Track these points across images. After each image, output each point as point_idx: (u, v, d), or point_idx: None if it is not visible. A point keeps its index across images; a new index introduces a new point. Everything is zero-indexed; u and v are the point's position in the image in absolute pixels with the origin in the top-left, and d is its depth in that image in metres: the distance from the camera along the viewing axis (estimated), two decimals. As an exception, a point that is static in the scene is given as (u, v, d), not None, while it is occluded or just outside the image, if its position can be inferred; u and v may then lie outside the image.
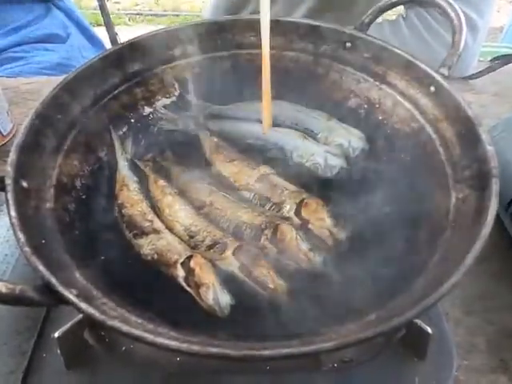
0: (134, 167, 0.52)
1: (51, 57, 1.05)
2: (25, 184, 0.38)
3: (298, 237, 0.43)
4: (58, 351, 0.39)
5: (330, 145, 0.54)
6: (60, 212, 0.41)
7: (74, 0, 1.19)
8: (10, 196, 0.34)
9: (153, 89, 0.56)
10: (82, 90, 0.48)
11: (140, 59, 0.53)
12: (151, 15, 2.79)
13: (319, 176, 0.52)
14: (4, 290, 0.28)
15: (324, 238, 0.44)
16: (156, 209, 0.48)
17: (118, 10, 2.77)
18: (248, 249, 0.42)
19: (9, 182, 0.35)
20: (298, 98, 0.58)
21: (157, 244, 0.44)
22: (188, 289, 0.40)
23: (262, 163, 0.52)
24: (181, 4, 2.87)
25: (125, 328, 0.27)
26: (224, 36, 0.56)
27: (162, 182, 0.50)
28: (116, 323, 0.27)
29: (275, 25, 0.55)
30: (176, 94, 0.58)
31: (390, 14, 0.81)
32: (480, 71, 0.78)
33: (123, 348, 0.41)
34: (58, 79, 0.46)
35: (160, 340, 0.26)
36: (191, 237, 0.45)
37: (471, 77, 0.79)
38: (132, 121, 0.55)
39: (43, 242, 0.35)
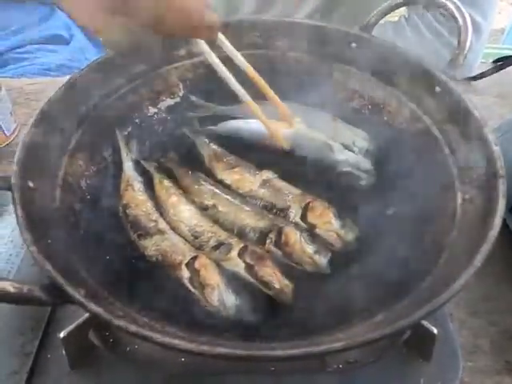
0: (139, 167, 0.52)
1: (54, 58, 1.05)
2: (31, 184, 0.38)
3: (303, 239, 0.43)
4: (63, 351, 0.39)
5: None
6: (66, 212, 0.41)
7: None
8: (16, 195, 0.34)
9: (157, 89, 0.56)
10: (87, 90, 0.48)
11: (145, 60, 0.53)
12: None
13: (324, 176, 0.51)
14: (12, 290, 0.28)
15: (332, 241, 0.43)
16: (161, 209, 0.48)
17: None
18: (253, 249, 0.42)
19: (15, 181, 0.35)
20: (301, 99, 0.57)
21: (161, 245, 0.44)
22: (193, 290, 0.40)
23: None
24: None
25: (132, 328, 0.27)
26: (227, 36, 0.56)
27: (167, 183, 0.50)
28: (124, 323, 0.27)
29: (279, 25, 0.56)
30: (180, 94, 0.58)
31: (393, 16, 0.82)
32: (482, 72, 0.78)
33: (127, 348, 0.42)
34: (61, 80, 0.46)
35: (168, 340, 0.26)
36: (196, 237, 0.45)
37: (474, 78, 0.79)
38: (137, 121, 0.55)
39: (49, 241, 0.35)
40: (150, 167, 0.52)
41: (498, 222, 0.33)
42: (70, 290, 0.29)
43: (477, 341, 0.46)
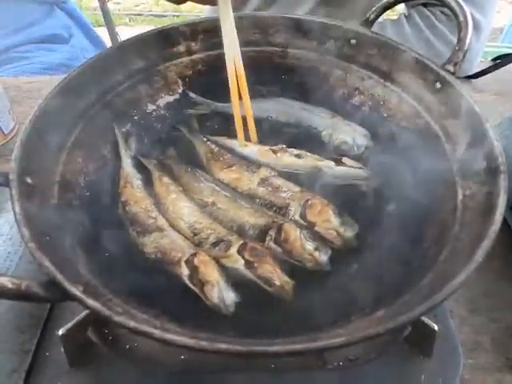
0: (138, 164, 0.52)
1: (53, 57, 1.06)
2: (29, 180, 0.37)
3: (303, 236, 0.42)
4: (62, 349, 0.39)
5: (334, 142, 0.54)
6: (64, 209, 0.40)
7: (75, 0, 1.19)
8: (14, 192, 0.34)
9: (156, 86, 0.55)
10: (85, 86, 0.48)
11: (144, 56, 0.53)
12: (152, 16, 2.79)
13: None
14: (10, 286, 0.28)
15: (332, 238, 0.43)
16: (160, 206, 0.48)
17: (119, 10, 2.77)
18: (253, 246, 0.42)
19: (13, 177, 0.35)
20: (301, 96, 0.57)
21: (160, 242, 0.43)
22: (192, 287, 0.40)
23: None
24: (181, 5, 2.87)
25: (132, 324, 0.27)
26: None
27: (166, 180, 0.50)
28: (123, 319, 0.27)
29: (279, 22, 0.55)
30: (179, 91, 0.57)
31: (391, 14, 0.81)
32: (482, 70, 0.78)
33: (127, 346, 0.41)
34: (59, 78, 0.46)
35: (168, 336, 0.26)
36: (195, 234, 0.45)
37: (473, 76, 0.79)
38: (135, 118, 0.55)
39: (47, 238, 0.34)
40: (149, 164, 0.52)
41: (498, 217, 0.33)
42: (68, 286, 0.28)
43: (477, 338, 0.46)
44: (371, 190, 0.48)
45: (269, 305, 0.39)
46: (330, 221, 0.44)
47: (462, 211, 0.39)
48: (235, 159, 0.53)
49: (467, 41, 0.45)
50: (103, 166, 0.50)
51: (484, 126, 0.40)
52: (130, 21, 2.74)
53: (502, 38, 1.98)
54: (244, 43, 0.56)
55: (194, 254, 0.41)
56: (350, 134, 0.53)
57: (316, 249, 0.42)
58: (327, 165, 0.50)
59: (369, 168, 0.50)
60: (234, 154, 0.54)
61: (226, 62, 0.51)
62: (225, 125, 0.57)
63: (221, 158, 0.53)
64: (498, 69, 0.77)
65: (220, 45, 0.56)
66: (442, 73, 0.46)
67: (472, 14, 0.53)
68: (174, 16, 2.76)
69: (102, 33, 1.28)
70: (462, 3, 0.46)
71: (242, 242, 0.42)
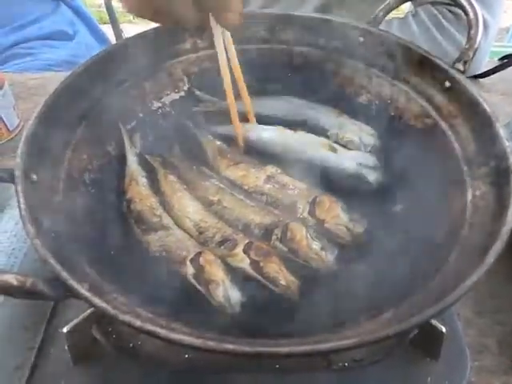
0: (143, 162, 0.51)
1: (58, 54, 1.06)
2: (34, 177, 0.37)
3: (309, 236, 0.42)
4: (66, 347, 0.38)
5: (340, 141, 0.53)
6: (69, 206, 0.40)
7: (79, -3, 1.19)
8: (19, 188, 0.34)
9: (161, 83, 0.55)
10: (90, 83, 0.47)
11: (149, 53, 0.52)
12: (156, 13, 2.79)
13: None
14: (15, 283, 0.28)
15: (342, 235, 0.43)
16: (165, 204, 0.47)
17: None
18: (259, 245, 0.42)
19: (18, 174, 0.35)
20: (308, 94, 0.57)
21: (165, 240, 0.43)
22: (198, 286, 0.40)
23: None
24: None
25: (138, 323, 0.27)
26: (235, 30, 0.55)
27: (171, 178, 0.49)
28: (129, 318, 0.27)
29: (286, 19, 0.55)
30: (185, 88, 0.57)
31: (399, 12, 0.80)
32: (489, 70, 0.77)
33: (130, 344, 0.41)
34: (64, 75, 0.46)
35: (174, 335, 0.26)
36: (201, 233, 0.44)
37: (481, 75, 0.78)
38: (141, 115, 0.54)
39: (53, 235, 0.34)
40: (155, 162, 0.52)
41: (510, 218, 0.33)
42: (73, 284, 0.28)
43: (483, 340, 0.45)
44: (379, 189, 0.47)
45: (274, 304, 0.39)
46: (339, 217, 0.43)
47: (471, 212, 0.38)
48: (242, 157, 0.52)
49: (477, 39, 0.44)
50: (108, 163, 0.49)
51: (494, 125, 0.39)
52: (134, 18, 2.74)
53: (508, 37, 1.97)
54: (250, 41, 0.56)
55: (200, 253, 0.41)
56: (356, 132, 0.53)
57: (322, 248, 0.42)
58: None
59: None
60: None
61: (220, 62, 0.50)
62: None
63: (228, 155, 0.52)
64: (505, 68, 0.76)
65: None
66: (452, 71, 0.45)
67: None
68: (178, 14, 2.75)
69: (107, 30, 1.28)
70: (473, 1, 0.46)
71: (247, 241, 0.42)
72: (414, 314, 0.28)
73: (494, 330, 0.46)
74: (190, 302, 0.38)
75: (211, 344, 0.25)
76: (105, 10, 0.88)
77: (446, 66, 0.46)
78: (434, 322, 0.37)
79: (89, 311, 0.37)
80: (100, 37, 1.20)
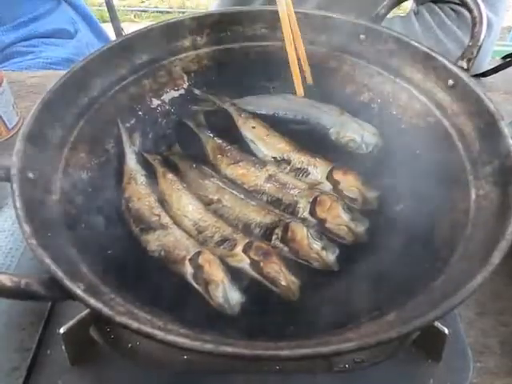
0: (142, 160, 0.51)
1: (59, 52, 1.05)
2: (31, 175, 0.37)
3: (310, 235, 0.42)
4: (63, 347, 0.38)
5: (341, 140, 0.53)
6: (66, 205, 0.40)
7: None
8: (15, 187, 0.33)
9: (161, 81, 0.55)
10: (89, 80, 0.47)
11: (149, 50, 0.52)
12: (157, 12, 2.79)
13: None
14: (9, 284, 0.27)
15: (343, 235, 0.43)
16: (164, 203, 0.47)
17: (124, 6, 2.76)
18: (259, 245, 0.41)
19: (14, 172, 0.34)
20: (309, 92, 0.56)
21: (164, 240, 0.43)
22: (196, 286, 0.39)
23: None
24: (186, 1, 2.86)
25: (135, 325, 0.26)
26: (234, 28, 0.55)
27: (171, 176, 0.49)
28: (125, 319, 0.26)
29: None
30: (184, 86, 0.56)
31: (398, 11, 0.80)
32: (492, 68, 0.77)
33: (129, 345, 0.41)
34: (63, 73, 0.45)
35: (171, 338, 0.25)
36: (200, 232, 0.44)
37: (483, 74, 0.78)
38: (140, 113, 0.54)
39: (49, 234, 0.34)
40: (154, 160, 0.51)
41: (515, 218, 0.32)
42: (69, 284, 0.27)
43: (486, 341, 0.45)
44: (381, 189, 0.46)
45: (275, 305, 0.39)
46: (340, 216, 0.43)
47: (475, 211, 0.38)
48: (242, 155, 0.52)
49: (481, 36, 0.43)
50: (106, 161, 0.49)
51: (499, 123, 0.39)
52: (135, 17, 2.73)
53: (510, 36, 1.96)
54: (251, 38, 0.56)
55: (199, 253, 0.41)
56: (358, 131, 0.52)
57: (323, 248, 0.41)
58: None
59: (378, 167, 0.49)
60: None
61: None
62: (231, 121, 0.56)
63: (228, 154, 0.52)
64: (508, 67, 0.76)
65: (226, 39, 0.56)
66: (455, 69, 0.44)
67: (484, 12, 0.52)
68: (179, 12, 2.75)
69: (107, 29, 1.28)
70: (477, -3, 0.45)
71: (247, 240, 0.41)
72: (417, 316, 0.27)
73: (496, 330, 0.46)
74: (189, 303, 0.38)
75: (209, 347, 0.25)
76: (105, 8, 0.88)
77: (449, 64, 0.45)
78: (436, 323, 0.37)
79: (86, 312, 0.36)
80: (101, 35, 1.20)
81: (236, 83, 0.55)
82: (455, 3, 0.77)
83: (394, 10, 0.55)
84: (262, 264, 0.40)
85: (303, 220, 0.44)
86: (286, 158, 0.50)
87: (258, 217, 0.44)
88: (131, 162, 0.50)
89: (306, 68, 0.55)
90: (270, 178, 0.48)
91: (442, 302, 0.27)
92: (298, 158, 0.50)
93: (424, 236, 0.40)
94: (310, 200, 0.45)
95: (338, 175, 0.47)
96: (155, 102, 0.55)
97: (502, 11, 0.78)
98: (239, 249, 0.41)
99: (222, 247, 0.42)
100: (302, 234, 0.42)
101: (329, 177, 0.47)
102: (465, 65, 0.45)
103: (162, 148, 0.53)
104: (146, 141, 0.53)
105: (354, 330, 0.30)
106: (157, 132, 0.55)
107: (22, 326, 0.43)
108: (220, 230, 0.43)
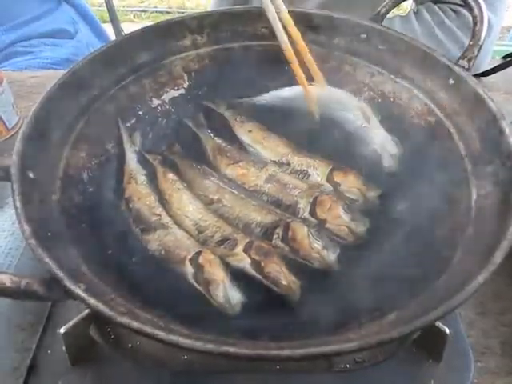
0: (143, 160, 0.51)
1: (59, 52, 1.05)
2: (31, 175, 0.37)
3: (311, 235, 0.42)
4: (63, 347, 0.38)
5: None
6: (67, 204, 0.39)
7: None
8: (15, 186, 0.33)
9: (161, 80, 0.54)
10: (89, 80, 0.47)
11: (149, 50, 0.52)
12: (157, 12, 2.78)
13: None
14: (9, 284, 0.27)
15: (344, 235, 0.42)
16: (164, 203, 0.47)
17: (124, 6, 2.76)
18: (259, 245, 0.41)
19: (15, 171, 0.34)
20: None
21: (164, 240, 0.43)
22: (197, 286, 0.39)
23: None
24: (186, 1, 2.86)
25: (135, 325, 0.26)
26: (235, 27, 0.55)
27: (171, 176, 0.49)
28: (126, 320, 0.26)
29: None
30: (185, 86, 0.56)
31: (398, 11, 0.80)
32: (492, 68, 0.77)
33: (129, 345, 0.41)
34: (63, 73, 0.45)
35: (172, 337, 0.25)
36: (200, 232, 0.44)
37: (483, 74, 0.78)
38: (140, 113, 0.53)
39: (49, 234, 0.34)
40: (154, 160, 0.51)
41: (516, 218, 0.32)
42: (69, 284, 0.27)
43: (487, 341, 0.45)
44: (382, 188, 0.46)
45: (275, 305, 0.39)
46: (340, 217, 0.43)
47: (476, 211, 0.38)
48: (242, 155, 0.51)
49: (482, 35, 0.43)
50: (107, 161, 0.49)
51: (500, 123, 0.39)
52: (134, 17, 2.73)
53: (509, 36, 1.96)
54: (251, 37, 0.55)
55: (199, 253, 0.40)
56: (380, 140, 0.50)
57: (324, 247, 0.41)
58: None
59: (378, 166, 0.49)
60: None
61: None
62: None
63: (227, 154, 0.52)
64: (508, 67, 0.76)
65: (226, 39, 0.55)
66: (456, 69, 0.44)
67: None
68: (178, 13, 2.74)
69: (107, 29, 1.27)
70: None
71: (248, 240, 0.41)
72: (419, 316, 0.27)
73: (497, 330, 0.46)
74: (190, 303, 0.38)
75: (210, 347, 0.25)
76: (105, 8, 0.88)
77: (450, 63, 0.45)
78: (437, 323, 0.37)
79: (86, 311, 0.36)
80: (101, 35, 1.20)
81: (237, 83, 0.55)
82: (455, 3, 0.77)
83: (394, 10, 0.55)
84: (262, 264, 0.39)
85: (303, 220, 0.44)
86: (285, 161, 0.50)
87: (258, 216, 0.44)
88: (131, 161, 0.49)
89: (316, 72, 0.53)
90: (270, 178, 0.48)
91: (444, 302, 0.27)
92: (298, 161, 0.49)
93: (425, 236, 0.40)
94: (310, 200, 0.45)
95: (338, 176, 0.47)
96: (155, 102, 0.55)
97: (502, 11, 0.78)
98: (240, 248, 0.41)
99: (222, 247, 0.42)
100: (302, 233, 0.42)
101: (329, 178, 0.47)
102: (466, 64, 0.44)
103: (163, 148, 0.53)
104: (146, 140, 0.53)
105: (354, 330, 0.29)
106: (157, 132, 0.55)
107: (22, 326, 0.43)
108: (220, 229, 0.43)
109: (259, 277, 0.39)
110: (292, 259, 0.41)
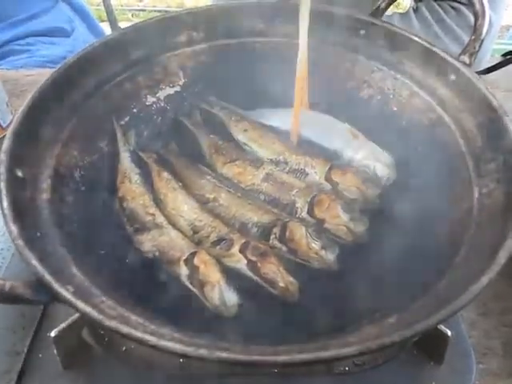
0: (137, 159, 0.50)
1: (55, 51, 1.04)
2: (20, 173, 0.36)
3: (309, 235, 0.41)
4: (55, 351, 0.37)
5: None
6: (57, 204, 0.38)
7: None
8: (2, 185, 0.32)
9: (156, 77, 0.53)
10: (82, 76, 0.46)
11: (143, 46, 0.51)
12: (155, 11, 2.78)
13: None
14: (-8, 287, 0.26)
15: (343, 235, 0.42)
16: (159, 202, 0.46)
17: (122, 6, 2.75)
18: (256, 245, 0.40)
19: (2, 170, 0.33)
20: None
21: (158, 240, 0.42)
22: (192, 287, 0.38)
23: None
24: (185, 0, 2.85)
25: (125, 329, 0.25)
26: (231, 23, 0.54)
27: (166, 175, 0.48)
28: (115, 324, 0.25)
29: (283, 10, 0.53)
30: (180, 83, 0.55)
31: (398, 9, 0.79)
32: (493, 66, 0.76)
33: (123, 348, 0.39)
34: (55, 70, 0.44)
35: (163, 343, 0.24)
36: (195, 232, 0.43)
37: (483, 72, 0.77)
38: (134, 110, 0.52)
39: (38, 234, 0.33)
40: (149, 159, 0.50)
41: (521, 216, 0.31)
42: (57, 287, 0.26)
43: (488, 342, 0.44)
44: (382, 188, 0.45)
45: (273, 306, 0.38)
46: (339, 216, 0.42)
47: (478, 210, 0.37)
48: (239, 153, 0.51)
49: (484, 30, 0.42)
50: (100, 159, 0.47)
51: (502, 119, 0.38)
52: (132, 16, 2.72)
53: (509, 35, 1.96)
54: (248, 33, 0.54)
55: (194, 253, 0.40)
56: (369, 159, 0.49)
57: (323, 247, 0.40)
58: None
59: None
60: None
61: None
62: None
63: (224, 152, 0.51)
64: (508, 64, 0.75)
65: (223, 35, 0.54)
66: (457, 64, 0.43)
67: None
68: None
69: (105, 28, 1.27)
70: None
71: (244, 240, 0.40)
72: (420, 319, 0.26)
73: (498, 331, 0.45)
74: (184, 305, 0.37)
75: (203, 352, 0.24)
76: (103, 7, 0.87)
77: (451, 59, 0.44)
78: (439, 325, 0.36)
79: (77, 314, 0.35)
80: (98, 34, 1.19)
81: (233, 79, 0.54)
82: (454, 1, 0.76)
83: (393, 8, 0.54)
84: (259, 264, 0.39)
85: (301, 220, 0.43)
86: (282, 159, 0.49)
87: (255, 216, 0.43)
88: (125, 160, 0.49)
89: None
90: (266, 177, 0.47)
91: (446, 304, 0.26)
92: (295, 159, 0.49)
93: (426, 235, 0.39)
94: (308, 200, 0.44)
95: (336, 175, 0.46)
96: (150, 99, 0.54)
97: (502, 9, 0.78)
98: (236, 249, 0.40)
99: (218, 247, 0.41)
100: (300, 233, 0.41)
101: (327, 177, 0.46)
102: (467, 60, 0.44)
103: (157, 146, 0.52)
104: (140, 139, 0.52)
105: (354, 333, 0.29)
106: (152, 130, 0.54)
107: (13, 329, 0.42)
108: (216, 229, 0.42)
109: (256, 278, 0.38)
110: (290, 260, 0.41)
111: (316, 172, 0.47)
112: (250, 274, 0.39)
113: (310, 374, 0.39)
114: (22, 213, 0.32)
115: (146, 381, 0.39)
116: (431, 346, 0.38)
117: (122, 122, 0.51)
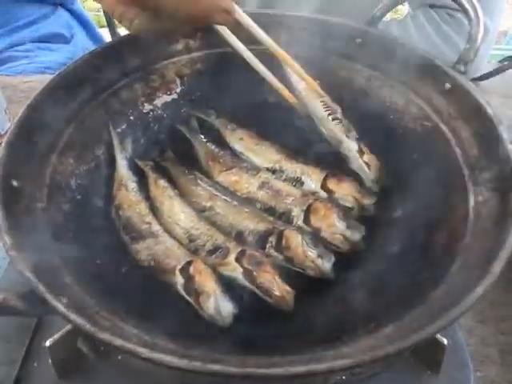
0: (134, 166, 0.50)
1: (55, 57, 1.04)
2: (15, 183, 0.35)
3: (305, 243, 0.41)
4: (50, 360, 0.36)
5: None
6: (53, 213, 0.38)
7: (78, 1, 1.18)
8: (-3, 195, 0.32)
9: (153, 85, 0.54)
10: (78, 84, 0.46)
11: (140, 53, 0.51)
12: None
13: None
14: (-16, 299, 0.26)
15: (339, 244, 0.41)
16: (155, 211, 0.46)
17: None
18: (252, 254, 0.40)
19: (-3, 180, 0.33)
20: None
21: (154, 249, 0.42)
22: (187, 297, 0.38)
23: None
24: (184, 6, 2.86)
25: (117, 342, 0.25)
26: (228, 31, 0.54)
27: (162, 183, 0.48)
28: (108, 336, 0.25)
29: (280, 20, 0.53)
30: (177, 90, 0.55)
31: (395, 16, 0.79)
32: (489, 72, 0.76)
33: (119, 357, 0.39)
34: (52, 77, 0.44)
35: (156, 355, 0.24)
36: (191, 240, 0.43)
37: (480, 78, 0.77)
38: (131, 118, 0.53)
39: (33, 244, 0.32)
40: (145, 166, 0.50)
41: (515, 225, 0.31)
42: (50, 298, 0.26)
43: (485, 350, 0.44)
44: (377, 195, 0.45)
45: (269, 316, 0.37)
46: (335, 225, 0.42)
47: (473, 219, 0.37)
48: (235, 161, 0.51)
49: (479, 37, 0.43)
50: (96, 168, 0.47)
51: (497, 128, 0.38)
52: (131, 21, 2.73)
53: (506, 40, 1.97)
54: (245, 41, 0.54)
55: (190, 262, 0.39)
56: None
57: (319, 256, 0.40)
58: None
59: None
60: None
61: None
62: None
63: (220, 160, 0.51)
64: (505, 70, 0.75)
65: (219, 43, 0.54)
66: (453, 73, 0.44)
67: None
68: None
69: (104, 34, 1.27)
70: (474, 0, 0.44)
71: (240, 249, 0.40)
72: (416, 330, 0.26)
73: (496, 339, 0.45)
74: (179, 315, 0.36)
75: (196, 364, 0.23)
76: (102, 13, 0.87)
77: (446, 68, 0.44)
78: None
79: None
80: (98, 40, 1.19)
81: (230, 87, 0.54)
82: (452, 8, 0.77)
83: (391, 15, 0.54)
84: (255, 273, 0.38)
85: (298, 229, 0.43)
86: (278, 167, 0.49)
87: (251, 224, 0.43)
88: (122, 168, 0.48)
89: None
90: (262, 185, 0.47)
91: (442, 314, 0.26)
92: (291, 167, 0.49)
93: (422, 244, 0.39)
94: (304, 208, 0.44)
95: (332, 183, 0.46)
96: (147, 107, 0.54)
97: (497, 14, 0.78)
98: (232, 257, 0.40)
99: (214, 256, 0.41)
100: (296, 241, 0.41)
101: (323, 185, 0.46)
102: (462, 68, 0.44)
103: (154, 154, 0.52)
104: (137, 146, 0.52)
105: (349, 343, 0.28)
106: (149, 137, 0.54)
107: (7, 338, 0.42)
108: (212, 238, 0.42)
109: (252, 287, 0.38)
110: (286, 268, 0.40)
111: (312, 180, 0.47)
112: (245, 283, 0.38)
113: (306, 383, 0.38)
114: (17, 222, 0.32)
115: (141, 390, 0.38)
116: (428, 355, 0.38)
117: (119, 130, 0.51)
